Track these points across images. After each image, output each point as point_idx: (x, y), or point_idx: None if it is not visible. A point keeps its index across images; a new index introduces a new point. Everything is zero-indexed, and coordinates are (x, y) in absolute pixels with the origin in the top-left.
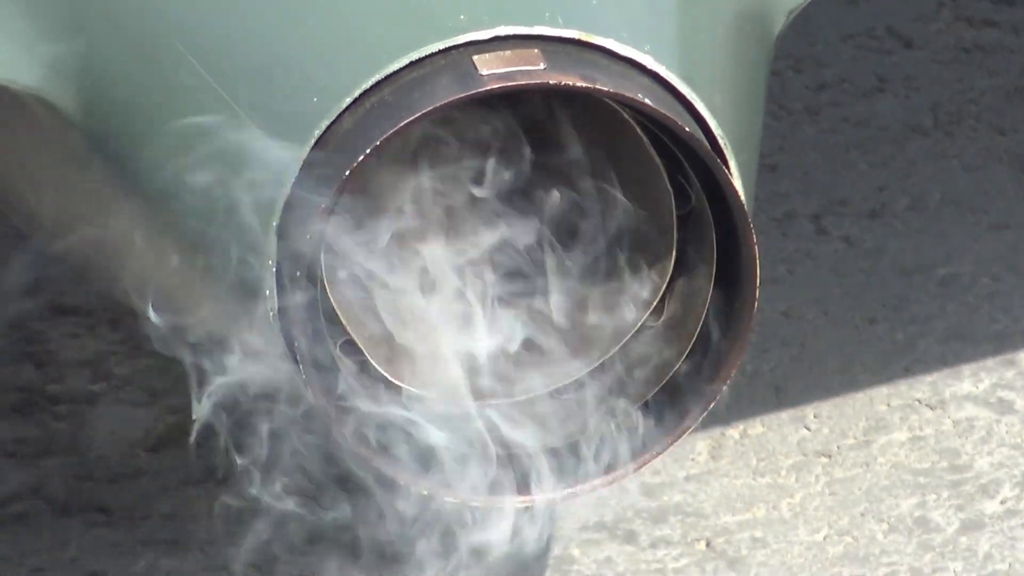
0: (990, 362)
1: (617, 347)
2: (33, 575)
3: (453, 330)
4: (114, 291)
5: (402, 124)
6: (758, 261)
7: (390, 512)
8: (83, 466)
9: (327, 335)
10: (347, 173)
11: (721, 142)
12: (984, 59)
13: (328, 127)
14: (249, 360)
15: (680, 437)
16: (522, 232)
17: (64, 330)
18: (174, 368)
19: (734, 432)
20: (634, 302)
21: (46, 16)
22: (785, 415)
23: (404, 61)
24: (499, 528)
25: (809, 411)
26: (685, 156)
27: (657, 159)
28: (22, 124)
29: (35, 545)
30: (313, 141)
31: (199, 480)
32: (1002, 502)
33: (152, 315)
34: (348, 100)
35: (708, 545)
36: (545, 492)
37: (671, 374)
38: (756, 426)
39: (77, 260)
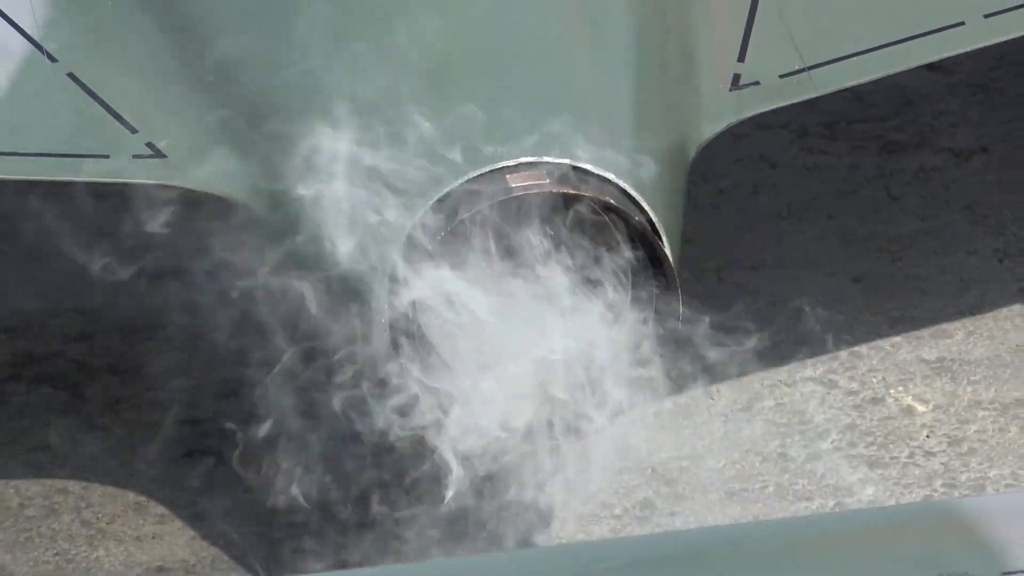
0: (824, 357)
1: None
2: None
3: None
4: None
5: (462, 217)
6: (680, 299)
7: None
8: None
9: (421, 337)
10: (431, 246)
11: (659, 227)
12: (820, 173)
13: (418, 220)
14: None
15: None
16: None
17: (257, 358)
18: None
19: (668, 404)
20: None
21: (251, 156)
22: (698, 392)
23: (464, 179)
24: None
25: (713, 389)
26: (636, 236)
27: (619, 237)
28: (236, 221)
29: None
30: (411, 227)
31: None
32: (832, 442)
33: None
34: (431, 201)
35: (653, 471)
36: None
37: None
38: (681, 399)
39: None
